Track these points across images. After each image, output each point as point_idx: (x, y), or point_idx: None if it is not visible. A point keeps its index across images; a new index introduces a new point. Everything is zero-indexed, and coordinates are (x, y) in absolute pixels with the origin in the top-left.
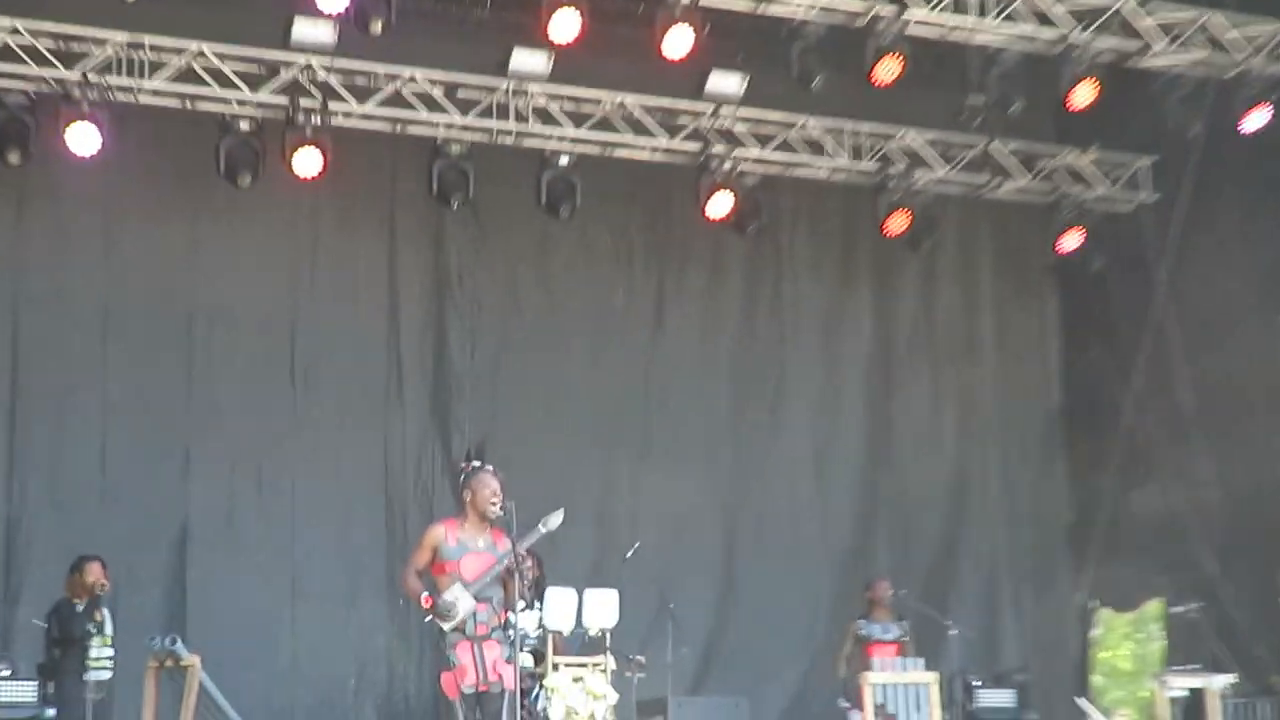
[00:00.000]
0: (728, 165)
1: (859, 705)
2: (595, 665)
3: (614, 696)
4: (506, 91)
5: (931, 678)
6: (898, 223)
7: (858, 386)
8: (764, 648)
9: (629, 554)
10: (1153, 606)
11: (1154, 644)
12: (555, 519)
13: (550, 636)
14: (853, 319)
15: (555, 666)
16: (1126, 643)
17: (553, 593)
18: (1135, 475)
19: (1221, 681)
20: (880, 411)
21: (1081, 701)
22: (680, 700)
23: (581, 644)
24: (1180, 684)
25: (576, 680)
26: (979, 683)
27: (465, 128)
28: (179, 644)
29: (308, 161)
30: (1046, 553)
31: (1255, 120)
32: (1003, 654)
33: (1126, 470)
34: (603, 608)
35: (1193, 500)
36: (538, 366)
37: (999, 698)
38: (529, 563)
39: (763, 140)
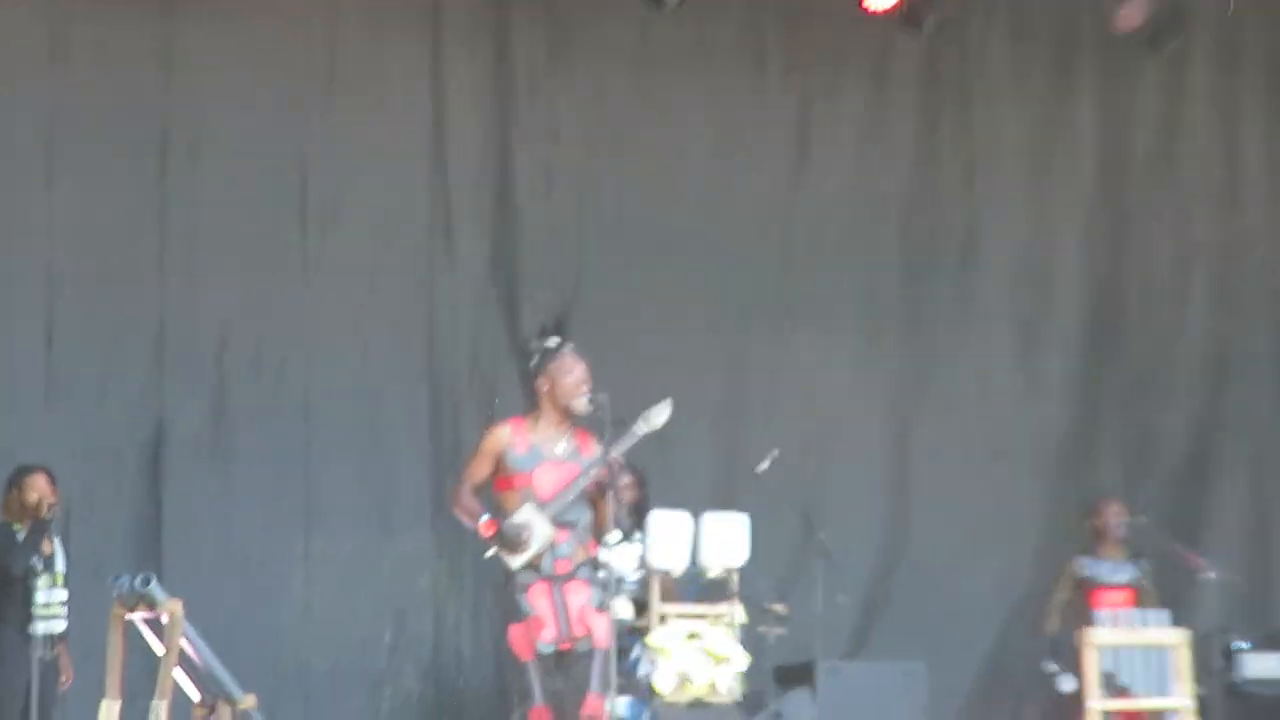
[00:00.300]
0: None
1: (1076, 670)
2: (717, 617)
3: (743, 659)
4: None
5: (1179, 637)
6: (1132, 14)
7: (1075, 240)
8: (948, 594)
9: (763, 465)
10: None
11: None
12: (659, 416)
13: (656, 578)
14: (1068, 149)
15: (663, 618)
16: None
17: (659, 518)
18: None
19: None
20: (1106, 274)
21: None
22: (833, 665)
23: (699, 588)
24: None
25: (692, 637)
26: (1245, 645)
27: None
28: (153, 585)
29: None
30: None
31: None
32: (1278, 606)
33: None
34: (727, 539)
35: None
36: (637, 211)
37: (1272, 665)
38: (626, 477)
39: None
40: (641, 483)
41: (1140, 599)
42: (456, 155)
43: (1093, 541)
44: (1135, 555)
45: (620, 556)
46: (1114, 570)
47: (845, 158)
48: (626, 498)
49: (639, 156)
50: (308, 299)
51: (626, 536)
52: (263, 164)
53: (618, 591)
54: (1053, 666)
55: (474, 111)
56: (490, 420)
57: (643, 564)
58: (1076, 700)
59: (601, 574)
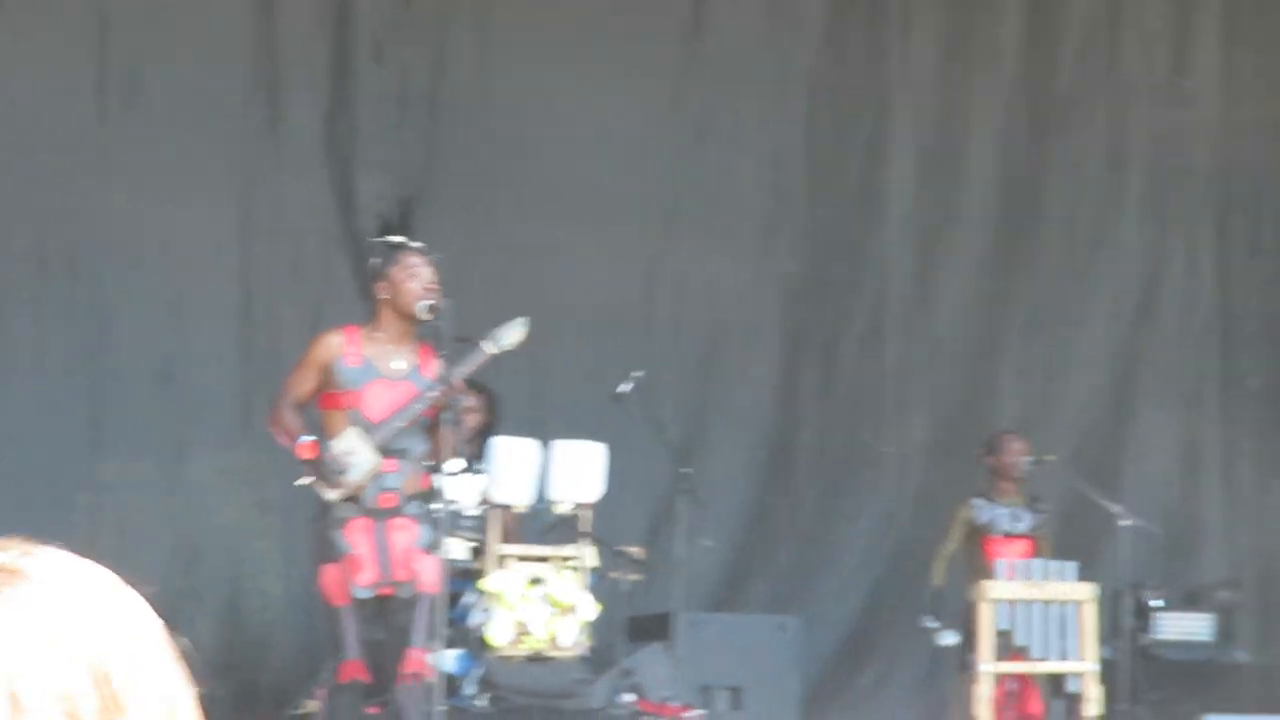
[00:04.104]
0: None
1: (970, 630)
2: (564, 560)
3: (591, 609)
4: None
5: (1086, 593)
6: None
7: (992, 131)
8: (829, 540)
9: (624, 387)
10: None
11: None
12: (512, 333)
13: (495, 514)
14: (992, 28)
15: (501, 561)
16: None
17: (502, 446)
18: None
19: None
20: (1023, 179)
21: None
22: (696, 617)
23: (545, 527)
24: None
25: (534, 583)
26: (1161, 603)
27: None
28: None
29: None
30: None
31: None
32: (1202, 559)
33: None
34: (580, 471)
35: None
36: (502, 88)
37: (1190, 626)
38: (470, 399)
39: None
40: (492, 405)
41: (1042, 549)
42: (285, 10)
43: (990, 481)
44: (1037, 499)
45: (458, 489)
46: (1014, 517)
47: (746, 32)
48: (472, 422)
49: (506, 13)
50: (102, 184)
51: (469, 467)
52: (51, 23)
53: (453, 529)
54: (932, 623)
55: None
56: None
57: (484, 498)
58: (958, 657)
59: (434, 509)
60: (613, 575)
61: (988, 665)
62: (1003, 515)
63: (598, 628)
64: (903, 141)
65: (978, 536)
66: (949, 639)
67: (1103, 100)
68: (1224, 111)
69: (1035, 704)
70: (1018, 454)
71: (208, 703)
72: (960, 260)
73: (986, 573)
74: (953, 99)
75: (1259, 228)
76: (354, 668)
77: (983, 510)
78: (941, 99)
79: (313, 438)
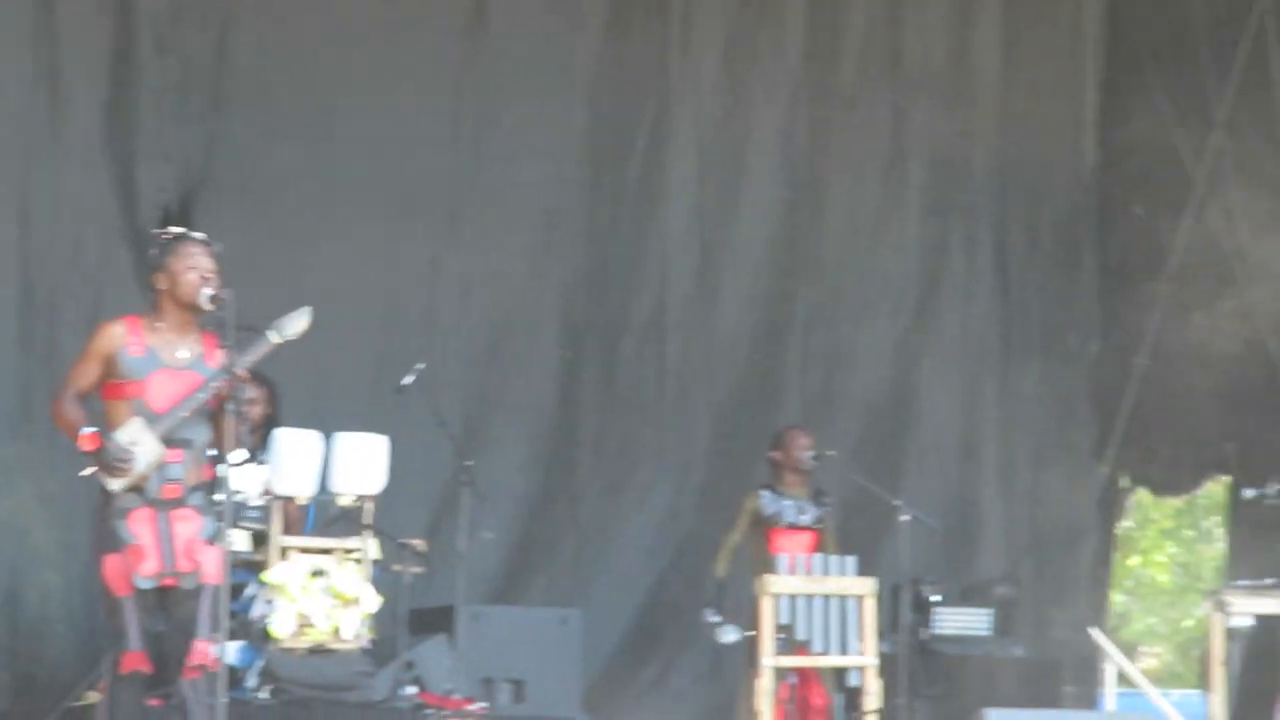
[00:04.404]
0: None
1: (748, 621)
2: (346, 553)
3: (373, 601)
4: None
5: (866, 587)
6: None
7: (772, 140)
8: (611, 534)
9: (408, 379)
10: (1214, 489)
11: (1211, 547)
12: (295, 324)
13: (278, 506)
14: (774, 27)
15: (283, 552)
16: (1169, 543)
17: (284, 437)
18: (1202, 285)
19: None
20: (806, 177)
21: (1095, 633)
22: (477, 610)
23: (327, 519)
24: (1247, 608)
25: (316, 575)
26: (939, 597)
27: None
28: None
29: None
30: (1057, 400)
31: None
32: (980, 554)
33: (1189, 278)
34: (363, 463)
35: None
36: (285, 79)
37: (968, 621)
38: (253, 391)
39: None
40: (273, 396)
41: (824, 543)
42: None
43: (775, 475)
44: (820, 493)
45: (242, 480)
46: (798, 510)
47: (528, 24)
48: (254, 413)
49: (289, 4)
50: None
51: (252, 458)
52: None
53: (236, 520)
54: (714, 617)
55: None
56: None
57: (267, 489)
58: (746, 651)
59: (218, 501)
60: (395, 567)
61: (769, 659)
62: (789, 507)
63: (380, 620)
64: (684, 137)
65: (763, 528)
66: (730, 636)
67: (883, 98)
68: (1003, 110)
69: (819, 697)
70: (804, 448)
71: None
72: (742, 256)
73: (771, 564)
74: (734, 95)
75: (1037, 226)
76: (135, 659)
77: (769, 502)
78: (723, 95)
79: (95, 428)
